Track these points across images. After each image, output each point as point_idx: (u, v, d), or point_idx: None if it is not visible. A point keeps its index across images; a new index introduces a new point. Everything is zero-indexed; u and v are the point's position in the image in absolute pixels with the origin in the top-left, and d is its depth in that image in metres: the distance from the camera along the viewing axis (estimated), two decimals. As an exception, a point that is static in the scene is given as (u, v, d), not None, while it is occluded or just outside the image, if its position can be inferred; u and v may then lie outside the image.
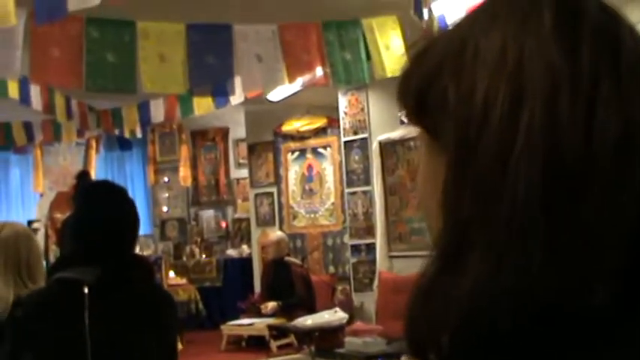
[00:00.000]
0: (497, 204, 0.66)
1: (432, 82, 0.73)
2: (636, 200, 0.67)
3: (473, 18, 0.75)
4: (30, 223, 9.79)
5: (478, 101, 0.68)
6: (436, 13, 5.45)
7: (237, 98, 6.73)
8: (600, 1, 0.73)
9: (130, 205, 2.45)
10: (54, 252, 9.36)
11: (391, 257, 8.59)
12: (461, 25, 0.76)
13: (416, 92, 0.76)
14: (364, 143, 8.89)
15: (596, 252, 0.66)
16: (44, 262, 3.66)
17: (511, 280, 0.65)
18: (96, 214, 2.36)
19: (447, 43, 0.75)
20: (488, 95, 0.67)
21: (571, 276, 0.66)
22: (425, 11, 4.42)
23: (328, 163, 10.11)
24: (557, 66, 0.67)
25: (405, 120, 8.43)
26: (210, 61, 4.96)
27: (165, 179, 12.83)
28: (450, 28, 0.78)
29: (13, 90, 6.19)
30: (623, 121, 0.67)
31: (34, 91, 6.50)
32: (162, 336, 2.36)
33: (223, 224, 12.72)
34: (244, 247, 11.94)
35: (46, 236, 9.99)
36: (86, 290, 2.18)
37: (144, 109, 7.90)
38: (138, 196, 12.44)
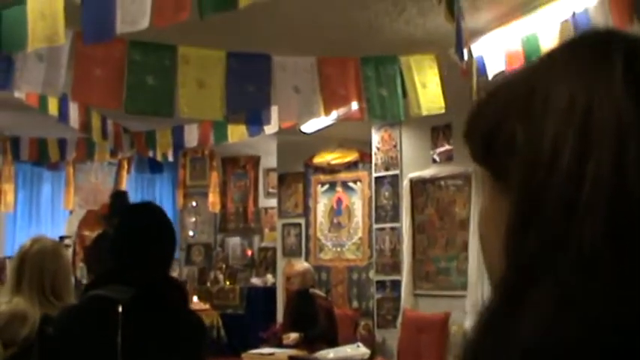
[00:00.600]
0: (563, 247, 0.67)
1: (500, 124, 0.75)
2: None
3: (542, 63, 0.77)
4: (61, 239, 9.87)
5: (546, 147, 0.69)
6: (475, 54, 5.48)
7: (271, 128, 6.77)
8: None
9: (169, 227, 2.47)
10: (80, 269, 9.41)
11: (416, 295, 8.55)
12: (529, 70, 0.78)
13: (483, 134, 0.78)
14: (395, 180, 8.89)
15: None
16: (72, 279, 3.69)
17: (576, 322, 0.66)
18: (134, 235, 2.38)
19: (516, 87, 0.77)
20: (557, 141, 0.69)
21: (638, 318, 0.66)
22: (465, 51, 4.43)
23: (358, 197, 10.11)
24: (625, 116, 0.68)
25: (438, 159, 8.48)
26: (248, 90, 5.00)
27: (194, 204, 12.87)
28: (518, 71, 0.79)
29: (53, 107, 6.28)
30: None
31: (72, 109, 6.58)
32: (191, 358, 2.37)
33: (249, 252, 12.72)
34: (269, 276, 11.92)
35: (74, 253, 10.06)
36: (120, 309, 2.20)
37: (178, 133, 7.96)
38: (166, 219, 12.48)
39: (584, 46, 0.76)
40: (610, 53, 0.72)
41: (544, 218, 0.68)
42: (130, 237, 2.39)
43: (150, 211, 2.55)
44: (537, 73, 0.76)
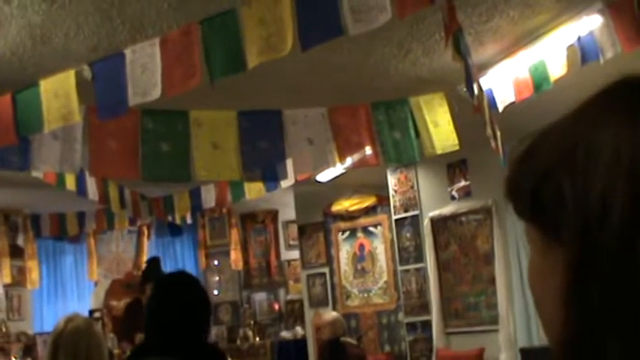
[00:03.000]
0: (627, 294, 0.66)
1: (546, 179, 0.74)
2: None
3: (579, 114, 0.77)
4: (91, 312, 9.88)
5: (596, 200, 0.69)
6: (484, 88, 5.49)
7: (287, 181, 6.78)
8: None
9: (204, 294, 2.48)
10: (111, 339, 9.39)
11: (448, 334, 8.49)
12: (566, 122, 0.77)
13: (529, 190, 0.77)
14: (415, 220, 8.88)
15: None
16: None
17: None
18: (172, 304, 2.38)
19: (557, 140, 0.76)
20: (606, 194, 0.68)
21: None
22: (475, 87, 4.45)
23: (379, 241, 10.09)
24: None
25: (456, 195, 8.47)
26: (262, 146, 5.02)
27: (216, 263, 12.86)
28: (554, 125, 0.79)
29: (70, 182, 6.32)
30: None
31: (90, 182, 6.62)
32: None
33: (276, 306, 12.68)
34: (298, 328, 11.87)
35: (103, 324, 10.05)
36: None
37: (195, 195, 7.98)
38: (189, 281, 12.47)
39: (620, 95, 0.75)
40: None
41: (602, 272, 0.68)
42: (167, 307, 2.39)
43: (184, 279, 2.56)
44: (575, 124, 0.76)
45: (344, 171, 7.56)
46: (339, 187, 9.63)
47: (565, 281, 0.71)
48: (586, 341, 0.69)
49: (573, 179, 0.71)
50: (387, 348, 9.94)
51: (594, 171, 0.70)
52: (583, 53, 4.84)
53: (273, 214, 12.71)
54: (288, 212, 11.96)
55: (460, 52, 3.73)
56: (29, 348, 9.84)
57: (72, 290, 11.98)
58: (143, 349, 2.42)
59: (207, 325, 2.46)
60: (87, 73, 3.67)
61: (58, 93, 3.70)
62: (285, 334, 12.05)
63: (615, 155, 0.70)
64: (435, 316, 8.56)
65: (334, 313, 8.72)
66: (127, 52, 3.67)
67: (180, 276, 2.70)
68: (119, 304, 9.91)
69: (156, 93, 3.58)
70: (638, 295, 0.66)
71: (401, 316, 9.39)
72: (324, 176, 8.25)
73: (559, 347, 0.72)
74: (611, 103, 0.74)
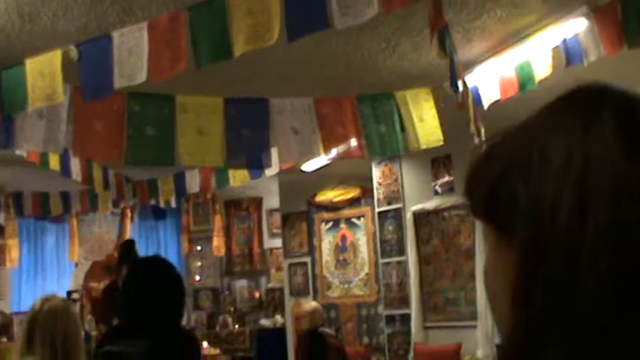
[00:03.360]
0: (570, 301, 0.69)
1: (502, 181, 0.76)
2: None
3: (536, 119, 0.79)
4: (69, 293, 9.86)
5: (546, 204, 0.71)
6: (470, 85, 5.52)
7: (271, 170, 6.79)
8: None
9: (178, 279, 2.49)
10: (89, 322, 9.38)
11: (426, 328, 8.53)
12: (525, 127, 0.80)
13: (485, 190, 0.79)
14: (398, 213, 8.91)
15: None
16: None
17: None
18: (146, 289, 2.40)
19: (515, 144, 0.78)
20: (556, 199, 0.70)
21: None
22: (459, 84, 4.47)
23: (362, 233, 10.12)
24: (619, 172, 0.69)
25: (439, 190, 8.50)
26: (247, 134, 5.02)
27: (199, 248, 12.87)
28: (514, 128, 0.81)
29: (54, 162, 6.31)
30: None
31: (74, 163, 6.61)
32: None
33: (256, 294, 12.70)
34: (278, 317, 11.90)
35: (81, 306, 10.04)
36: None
37: (180, 179, 7.99)
38: (171, 265, 12.47)
39: (577, 103, 0.78)
40: (602, 110, 0.74)
41: (548, 277, 0.70)
42: (141, 292, 2.41)
43: (158, 264, 2.57)
44: (534, 130, 0.78)
45: (329, 162, 7.59)
46: (324, 177, 9.65)
47: (514, 282, 0.74)
48: (529, 343, 0.71)
49: (527, 183, 0.74)
50: (366, 340, 9.98)
51: (547, 176, 0.72)
52: (567, 55, 4.88)
53: (258, 202, 12.73)
54: (272, 200, 11.97)
55: (445, 49, 3.75)
56: (5, 327, 9.82)
57: (52, 270, 11.96)
58: (117, 332, 2.44)
59: (180, 310, 2.48)
60: (73, 53, 3.68)
61: (44, 72, 3.70)
62: (265, 322, 12.08)
63: (567, 161, 0.72)
64: (414, 310, 8.60)
65: (314, 304, 8.75)
66: (115, 34, 3.68)
67: (155, 260, 2.72)
68: (98, 286, 9.90)
69: (141, 77, 3.58)
70: (580, 301, 0.68)
71: (380, 308, 9.43)
72: (310, 166, 8.27)
73: (506, 345, 0.75)
74: (567, 110, 0.77)
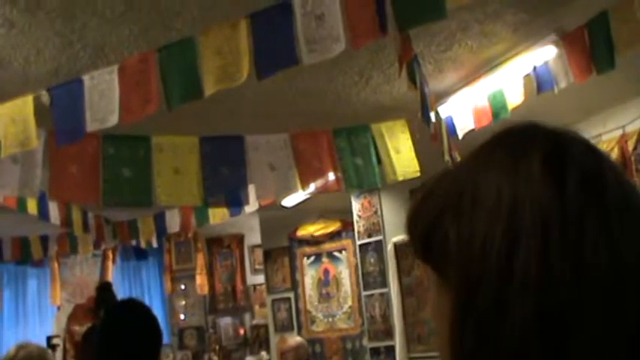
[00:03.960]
0: (498, 341, 0.69)
1: (435, 224, 0.78)
2: (628, 338, 0.69)
3: (470, 159, 0.80)
4: (49, 339, 9.76)
5: (477, 245, 0.72)
6: (443, 116, 5.56)
7: (251, 206, 6.79)
8: (587, 143, 0.77)
9: (153, 323, 2.49)
10: (72, 366, 9.29)
11: (411, 359, 8.51)
12: (460, 167, 0.81)
13: (420, 234, 0.81)
14: (379, 245, 8.91)
15: None
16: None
17: None
18: (119, 334, 2.40)
19: (448, 186, 0.80)
20: (486, 240, 0.71)
21: None
22: (432, 115, 4.50)
23: (344, 266, 10.10)
24: (546, 211, 0.70)
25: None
26: (224, 172, 5.03)
27: (182, 287, 12.80)
28: (451, 169, 0.83)
29: (32, 206, 6.28)
30: (610, 262, 0.70)
31: (52, 206, 6.59)
32: None
33: (241, 331, 12.63)
34: (263, 353, 11.82)
35: (64, 350, 9.94)
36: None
37: (160, 219, 7.98)
38: (155, 304, 12.41)
39: (506, 143, 0.79)
40: (531, 149, 0.75)
41: (478, 317, 0.71)
42: (115, 335, 2.40)
43: (133, 308, 2.57)
44: (466, 169, 0.79)
45: (309, 196, 7.60)
46: (305, 212, 9.66)
47: (450, 322, 0.75)
48: None
49: (458, 224, 0.75)
50: (352, 373, 9.94)
51: (477, 217, 0.73)
52: (538, 82, 4.93)
53: (239, 239, 12.69)
54: (254, 237, 11.95)
55: (415, 80, 3.78)
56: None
57: (34, 315, 11.84)
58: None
59: (155, 352, 2.47)
60: (45, 98, 3.68)
61: (16, 119, 3.70)
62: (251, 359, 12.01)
63: (497, 201, 0.73)
64: (398, 342, 8.58)
65: (298, 339, 8.72)
66: (86, 78, 3.69)
67: (129, 304, 2.71)
68: (81, 330, 9.81)
69: (113, 119, 3.59)
70: (507, 340, 0.69)
71: (365, 341, 9.39)
72: (290, 201, 8.28)
73: None
74: (498, 151, 0.78)
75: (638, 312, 0.69)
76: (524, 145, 0.76)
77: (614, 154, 6.32)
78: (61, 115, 3.72)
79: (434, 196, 0.81)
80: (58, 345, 9.65)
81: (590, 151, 0.77)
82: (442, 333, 0.78)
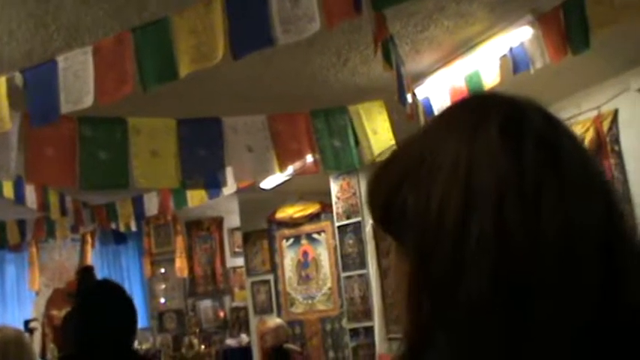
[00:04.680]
0: (454, 305, 0.70)
1: (394, 193, 0.78)
2: (585, 297, 0.70)
3: (429, 128, 0.81)
4: (27, 322, 9.74)
5: (433, 210, 0.73)
6: (420, 97, 5.57)
7: (229, 188, 6.78)
8: (544, 111, 0.78)
9: (127, 303, 2.49)
10: (51, 350, 9.28)
11: (390, 339, 8.54)
12: (419, 136, 0.82)
13: (380, 203, 0.81)
14: (358, 227, 8.92)
15: (549, 346, 0.69)
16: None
17: None
18: (94, 316, 2.39)
19: (407, 155, 0.81)
20: (442, 204, 0.72)
21: None
22: (408, 96, 4.51)
23: (323, 248, 10.13)
24: (503, 175, 0.71)
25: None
26: (202, 154, 5.02)
27: (162, 271, 12.79)
28: (411, 138, 0.83)
29: (8, 190, 6.25)
30: (566, 226, 0.71)
31: (29, 190, 6.55)
32: None
33: (221, 314, 12.65)
34: (243, 335, 11.86)
35: (43, 334, 9.93)
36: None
37: (138, 202, 7.96)
38: (135, 288, 12.41)
39: (465, 111, 0.80)
40: (488, 115, 0.76)
41: (434, 280, 0.72)
42: (91, 317, 2.40)
43: (107, 289, 2.57)
44: (425, 137, 0.80)
45: (288, 178, 7.60)
46: (284, 194, 9.66)
47: (407, 286, 0.76)
48: (418, 344, 0.73)
49: (417, 192, 0.76)
50: (332, 354, 9.98)
51: (435, 182, 0.74)
52: (514, 63, 4.95)
53: (219, 222, 12.69)
54: (233, 219, 11.95)
55: (390, 61, 3.78)
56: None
57: (12, 300, 11.81)
58: (69, 358, 2.43)
59: (131, 333, 2.47)
60: (19, 80, 3.66)
61: (-11, 101, 3.68)
62: (231, 342, 12.04)
63: (454, 167, 0.74)
64: (377, 322, 8.62)
65: (277, 320, 8.74)
66: (60, 59, 3.66)
67: (103, 285, 2.71)
68: (60, 314, 9.79)
69: (88, 101, 3.57)
70: (463, 298, 0.70)
71: (344, 322, 9.43)
72: (268, 183, 8.28)
73: (404, 345, 0.77)
74: (456, 119, 0.79)
75: (594, 276, 0.70)
76: (482, 112, 0.77)
77: (590, 135, 6.37)
78: (35, 97, 3.70)
79: (394, 165, 0.82)
80: (36, 328, 9.64)
81: (546, 118, 0.78)
82: (402, 300, 0.79)
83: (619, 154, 6.32)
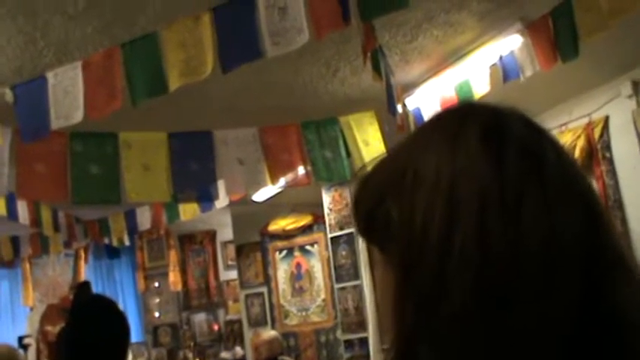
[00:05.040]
0: (437, 316, 0.70)
1: (377, 205, 0.79)
2: (568, 307, 0.71)
3: (411, 140, 0.81)
4: (21, 339, 9.70)
5: (417, 223, 0.73)
6: (410, 107, 5.58)
7: (221, 202, 6.78)
8: (524, 117, 0.78)
9: (120, 318, 2.48)
10: (46, 366, 9.25)
11: (385, 350, 8.52)
12: (401, 148, 0.82)
13: (364, 215, 0.82)
14: (351, 238, 8.91)
15: (530, 357, 0.69)
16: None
17: None
18: (86, 332, 2.39)
19: (390, 167, 0.81)
20: (426, 216, 0.72)
21: None
22: (398, 106, 4.52)
23: (316, 259, 10.11)
24: (485, 185, 0.71)
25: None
26: (193, 168, 5.02)
27: (156, 285, 12.76)
28: (394, 149, 0.84)
29: (0, 206, 6.24)
30: (548, 232, 0.71)
31: (21, 206, 6.54)
32: None
33: (215, 327, 12.61)
34: (237, 348, 11.82)
35: (38, 350, 9.89)
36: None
37: (130, 217, 7.95)
38: (129, 302, 12.38)
39: (446, 121, 0.80)
40: (468, 125, 0.76)
41: (418, 291, 0.72)
42: (82, 332, 2.39)
43: (100, 305, 2.56)
44: (407, 149, 0.80)
45: (280, 190, 7.60)
46: (276, 206, 9.65)
47: (392, 297, 0.76)
48: (399, 354, 0.73)
49: (400, 203, 0.76)
50: (327, 366, 9.96)
51: (417, 195, 0.74)
52: (505, 72, 4.97)
53: (212, 235, 12.67)
54: (226, 232, 11.93)
55: (380, 71, 3.79)
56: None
57: (6, 316, 11.75)
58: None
59: (122, 349, 2.46)
60: (9, 96, 3.66)
61: (-21, 117, 3.68)
62: (225, 355, 12.00)
63: (436, 178, 0.74)
64: (371, 333, 8.60)
65: (272, 333, 8.71)
66: (49, 75, 3.67)
67: (96, 300, 2.71)
68: (54, 330, 9.76)
69: (78, 116, 3.57)
70: (446, 308, 0.70)
71: (339, 333, 9.41)
72: (260, 196, 8.27)
73: (387, 354, 0.77)
74: (437, 130, 0.79)
75: (576, 286, 0.71)
76: (462, 122, 0.77)
77: (581, 142, 6.38)
78: (26, 113, 3.70)
79: (376, 177, 0.82)
80: (30, 344, 9.59)
81: (529, 126, 0.78)
82: (387, 311, 0.79)
83: (610, 161, 6.33)
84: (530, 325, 0.69)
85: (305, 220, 10.15)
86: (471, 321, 0.69)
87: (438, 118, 0.83)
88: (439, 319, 0.70)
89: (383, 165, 0.84)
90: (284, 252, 10.42)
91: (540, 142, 0.77)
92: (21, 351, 6.86)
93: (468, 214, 0.71)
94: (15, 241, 8.95)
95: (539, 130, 0.78)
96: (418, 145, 0.80)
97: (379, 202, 0.79)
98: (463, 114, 0.79)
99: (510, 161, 0.73)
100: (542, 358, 0.69)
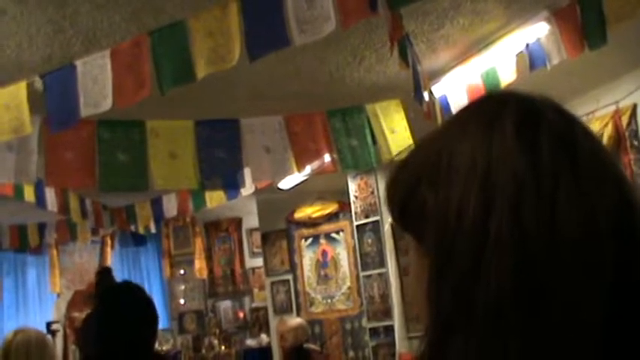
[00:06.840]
0: (474, 301, 0.71)
1: (412, 192, 0.80)
2: (606, 291, 0.71)
3: (446, 128, 0.82)
4: (49, 325, 9.79)
5: (452, 209, 0.74)
6: (437, 95, 5.57)
7: (247, 189, 6.80)
8: (557, 106, 0.79)
9: (148, 305, 2.50)
10: (73, 352, 9.34)
11: (410, 338, 8.54)
12: (436, 135, 0.83)
13: (398, 201, 0.83)
14: (376, 226, 8.92)
15: (568, 345, 0.70)
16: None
17: None
18: (115, 317, 2.41)
19: (425, 155, 0.82)
20: (461, 205, 0.73)
21: None
22: (425, 94, 4.51)
23: (342, 247, 10.13)
24: (520, 172, 0.72)
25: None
26: (220, 155, 5.04)
27: (182, 272, 12.83)
28: (429, 137, 0.85)
29: (29, 193, 6.30)
30: (583, 217, 0.72)
31: (49, 193, 6.60)
32: None
33: (241, 314, 12.67)
34: (263, 336, 11.87)
35: (65, 336, 9.98)
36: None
37: (157, 204, 7.99)
38: (155, 290, 12.46)
39: (480, 110, 0.81)
40: (504, 114, 0.77)
41: (454, 277, 0.73)
42: (110, 320, 2.41)
43: (127, 291, 2.58)
44: (442, 137, 0.81)
45: (305, 178, 7.60)
46: (302, 194, 9.66)
47: (428, 284, 0.77)
48: (438, 340, 0.74)
49: (435, 190, 0.77)
50: (352, 353, 9.97)
51: (453, 182, 0.75)
52: (531, 59, 4.94)
53: (237, 222, 12.71)
54: (251, 220, 11.97)
55: (406, 59, 3.79)
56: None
57: (34, 303, 11.87)
58: None
59: (153, 334, 2.48)
60: (38, 84, 3.69)
61: (9, 105, 3.71)
62: (251, 342, 12.06)
63: (471, 165, 0.75)
64: (397, 321, 8.61)
65: (297, 320, 8.74)
66: (78, 63, 3.69)
67: (124, 287, 2.73)
68: (81, 316, 9.84)
69: (107, 104, 3.60)
70: (482, 295, 0.71)
71: (364, 321, 9.43)
72: (286, 183, 8.28)
73: (425, 341, 0.78)
74: (473, 118, 0.80)
75: (610, 271, 0.71)
76: (497, 111, 0.78)
77: (609, 131, 6.34)
78: (55, 101, 3.73)
79: (412, 164, 0.83)
80: (58, 330, 9.69)
81: (562, 115, 0.79)
82: (421, 298, 0.80)
83: (638, 149, 6.29)
84: (567, 311, 0.70)
85: (331, 207, 10.16)
86: (506, 310, 0.70)
87: (471, 107, 0.84)
88: (474, 307, 0.71)
89: (418, 152, 0.85)
90: (310, 239, 10.45)
91: (573, 130, 0.77)
92: (49, 336, 6.94)
93: (503, 203, 0.72)
94: (42, 228, 9.02)
95: (572, 118, 0.79)
96: (454, 132, 0.80)
97: (414, 188, 0.80)
98: (496, 103, 0.80)
99: (545, 149, 0.74)
100: (579, 344, 0.70)
